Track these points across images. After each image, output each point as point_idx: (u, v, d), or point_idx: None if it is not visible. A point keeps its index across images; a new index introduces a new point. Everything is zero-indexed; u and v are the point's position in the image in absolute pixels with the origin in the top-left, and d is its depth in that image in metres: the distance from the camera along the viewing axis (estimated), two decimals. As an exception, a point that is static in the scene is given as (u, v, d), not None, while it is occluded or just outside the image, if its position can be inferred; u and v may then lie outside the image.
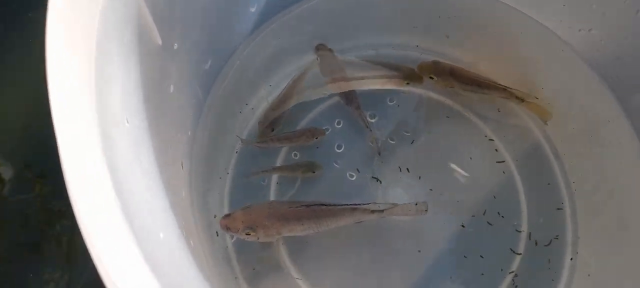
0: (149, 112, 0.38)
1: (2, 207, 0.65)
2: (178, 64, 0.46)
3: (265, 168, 0.62)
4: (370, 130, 0.63)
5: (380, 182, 0.62)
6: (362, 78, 0.66)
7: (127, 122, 0.34)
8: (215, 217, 0.57)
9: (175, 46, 0.45)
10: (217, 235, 0.57)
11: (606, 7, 0.56)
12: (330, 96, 0.66)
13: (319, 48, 0.65)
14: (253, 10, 0.60)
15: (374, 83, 0.67)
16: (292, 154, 0.64)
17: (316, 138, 0.62)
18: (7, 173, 0.66)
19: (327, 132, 0.64)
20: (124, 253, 0.25)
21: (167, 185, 0.41)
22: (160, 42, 0.41)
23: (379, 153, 0.63)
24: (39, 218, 0.65)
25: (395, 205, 0.56)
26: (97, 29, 0.30)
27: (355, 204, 0.54)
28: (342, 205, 0.54)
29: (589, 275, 0.57)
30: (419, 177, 0.62)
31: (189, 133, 0.54)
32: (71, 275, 0.62)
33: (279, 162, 0.63)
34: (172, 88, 0.45)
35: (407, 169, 0.62)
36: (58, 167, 0.68)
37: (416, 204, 0.56)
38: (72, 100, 0.27)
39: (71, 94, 0.27)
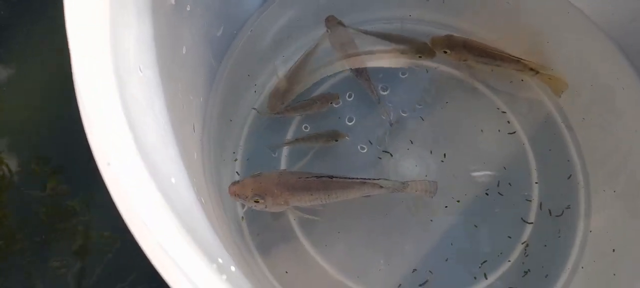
0: (162, 67, 0.39)
1: (14, 198, 0.67)
2: (190, 26, 0.47)
3: (289, 139, 0.62)
4: (380, 102, 0.63)
5: (392, 155, 0.62)
6: (374, 52, 0.67)
7: (141, 70, 0.35)
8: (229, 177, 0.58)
9: (188, 8, 0.45)
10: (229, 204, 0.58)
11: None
12: (341, 71, 0.66)
13: (329, 20, 0.65)
14: (265, -22, 0.60)
15: (386, 57, 0.67)
16: (303, 127, 0.64)
17: (331, 103, 0.63)
18: (13, 165, 0.68)
19: (340, 98, 0.64)
20: (135, 178, 0.26)
21: (180, 143, 0.42)
22: (173, 1, 0.42)
23: (391, 125, 0.63)
24: (50, 213, 0.66)
25: (405, 183, 0.56)
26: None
27: (364, 179, 0.55)
28: (351, 178, 0.55)
29: (601, 244, 0.56)
30: (431, 151, 0.62)
31: (201, 99, 0.55)
32: (84, 266, 0.63)
33: (290, 134, 0.64)
34: (184, 49, 0.46)
35: (419, 142, 0.63)
36: (72, 161, 0.68)
37: (425, 184, 0.56)
38: (88, 39, 0.28)
39: (88, 33, 0.28)
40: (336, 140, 0.61)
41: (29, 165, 0.68)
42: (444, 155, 0.62)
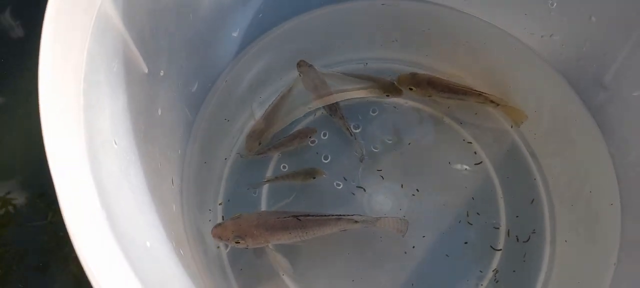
0: (137, 134, 0.42)
1: (17, 233, 0.69)
2: (165, 88, 0.50)
3: (269, 177, 0.65)
4: (355, 139, 0.66)
5: (365, 190, 0.65)
6: (345, 91, 0.70)
7: (115, 143, 0.38)
8: (210, 221, 0.60)
9: (162, 73, 0.49)
10: (213, 245, 0.61)
11: (563, 15, 0.59)
12: (316, 109, 0.69)
13: (301, 64, 0.68)
14: (235, 34, 0.64)
15: (356, 93, 0.70)
16: (281, 166, 0.67)
17: (310, 137, 0.66)
18: (20, 201, 0.70)
19: (315, 137, 0.67)
20: (108, 257, 0.29)
21: (157, 200, 0.45)
22: (146, 70, 0.45)
23: (361, 161, 0.66)
24: (49, 244, 0.68)
25: (377, 218, 0.59)
26: (85, 61, 0.34)
27: (339, 215, 0.58)
28: (327, 215, 0.58)
29: (566, 267, 0.59)
30: (402, 185, 0.65)
31: (179, 151, 0.58)
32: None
33: (269, 173, 0.66)
34: (160, 111, 0.49)
35: (391, 176, 0.66)
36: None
37: (397, 222, 0.59)
38: (61, 124, 0.31)
39: (61, 118, 0.31)
40: (314, 178, 0.64)
41: (33, 201, 0.70)
42: (415, 188, 0.65)
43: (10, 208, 0.70)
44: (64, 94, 0.32)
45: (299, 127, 0.69)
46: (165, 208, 0.47)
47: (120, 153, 0.38)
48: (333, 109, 0.67)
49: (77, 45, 0.34)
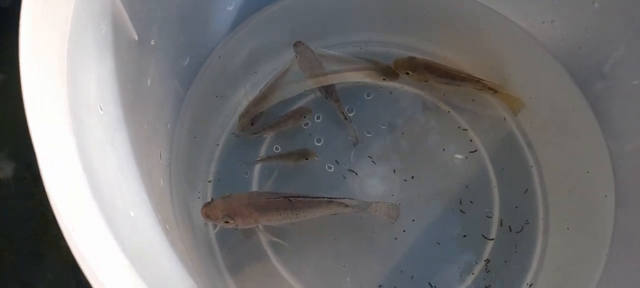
0: (124, 101, 0.41)
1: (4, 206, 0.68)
2: (155, 59, 0.49)
3: (262, 157, 0.64)
4: (349, 122, 0.65)
5: (357, 174, 0.64)
6: (341, 71, 0.69)
7: (101, 109, 0.36)
8: (199, 198, 0.59)
9: (152, 42, 0.47)
10: (202, 225, 0.60)
11: (565, 1, 0.58)
12: (310, 91, 0.68)
13: (297, 45, 0.67)
14: (231, 8, 0.62)
15: (352, 76, 0.69)
16: (274, 147, 0.66)
17: (304, 116, 0.65)
18: (7, 172, 0.69)
19: (309, 119, 0.66)
20: (88, 222, 0.27)
21: (144, 172, 0.43)
22: (136, 37, 0.44)
23: (354, 145, 0.65)
24: (38, 220, 0.67)
25: (368, 203, 0.58)
26: (71, 19, 0.33)
27: (331, 197, 0.57)
28: (318, 197, 0.57)
29: (558, 258, 0.59)
30: (394, 170, 0.64)
31: (168, 126, 0.57)
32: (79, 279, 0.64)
33: (261, 153, 0.65)
34: (149, 81, 0.48)
35: (383, 161, 0.65)
36: None
37: (387, 208, 0.58)
38: (43, 85, 0.29)
39: (43, 79, 0.30)
40: (306, 159, 0.63)
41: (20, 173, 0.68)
42: (408, 174, 0.64)
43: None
44: (47, 54, 0.30)
45: (294, 107, 0.68)
46: (152, 182, 0.46)
47: (105, 119, 0.37)
48: (328, 91, 0.66)
49: (62, 0, 0.32)
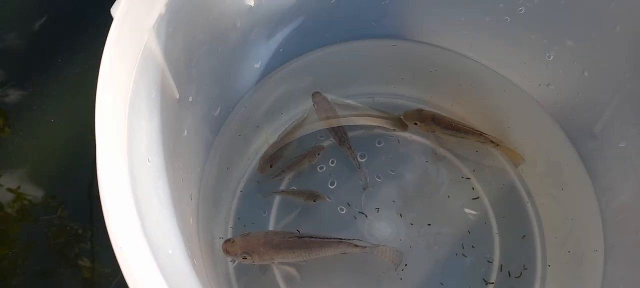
0: (166, 152, 0.47)
1: (29, 229, 0.74)
2: (192, 112, 0.56)
3: (277, 190, 0.70)
4: (359, 167, 0.71)
5: (366, 216, 0.69)
6: (354, 116, 0.75)
7: (149, 161, 0.43)
8: (221, 238, 0.65)
9: (190, 99, 0.54)
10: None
11: (559, 67, 0.64)
12: (326, 138, 0.74)
13: (315, 95, 0.73)
14: (257, 66, 0.70)
15: (364, 122, 0.75)
16: (291, 188, 0.72)
17: (318, 154, 0.71)
18: (36, 199, 0.76)
19: (323, 164, 0.72)
20: (142, 261, 0.33)
21: (178, 213, 0.50)
22: (178, 96, 0.51)
23: (364, 189, 0.71)
24: (58, 242, 0.73)
25: (375, 245, 0.63)
26: (131, 88, 0.40)
27: (341, 238, 0.62)
28: (329, 238, 0.62)
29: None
30: (400, 214, 0.69)
31: (199, 169, 0.63)
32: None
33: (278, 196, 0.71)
34: (185, 132, 0.55)
35: (391, 205, 0.70)
36: (76, 197, 0.77)
37: (392, 253, 0.63)
38: (109, 144, 0.36)
39: (109, 139, 0.36)
40: (314, 201, 0.69)
41: (46, 199, 0.75)
42: (414, 217, 0.69)
43: (25, 203, 0.75)
44: (112, 119, 0.37)
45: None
46: (184, 221, 0.52)
47: (151, 170, 0.43)
48: (342, 139, 0.72)
49: (126, 75, 0.39)
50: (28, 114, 0.81)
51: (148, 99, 0.43)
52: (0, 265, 0.72)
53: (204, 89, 0.57)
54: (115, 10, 0.39)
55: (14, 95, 0.82)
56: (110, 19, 0.39)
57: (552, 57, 0.65)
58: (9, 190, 0.76)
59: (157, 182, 0.44)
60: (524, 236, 0.68)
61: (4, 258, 0.73)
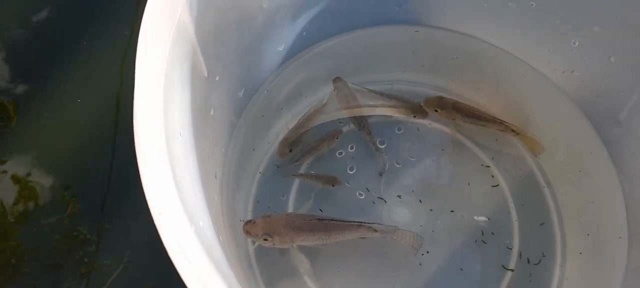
0: (195, 129, 0.48)
1: (34, 226, 0.75)
2: (218, 92, 0.56)
3: (296, 173, 0.71)
4: (379, 152, 0.71)
5: (386, 202, 0.70)
6: (374, 106, 0.75)
7: (180, 135, 0.43)
8: (241, 221, 0.66)
9: (217, 78, 0.55)
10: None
11: (584, 53, 0.64)
12: (345, 124, 0.74)
13: (336, 80, 0.74)
14: (280, 49, 0.70)
15: (385, 111, 0.75)
16: (310, 172, 0.72)
17: (337, 138, 0.72)
18: (45, 194, 0.76)
19: (343, 150, 0.72)
20: (179, 227, 0.34)
21: (205, 189, 0.50)
22: (206, 74, 0.51)
23: (381, 174, 0.71)
24: (64, 242, 0.73)
25: (396, 229, 0.63)
26: (166, 60, 0.41)
27: (361, 222, 0.62)
28: (349, 221, 0.62)
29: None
30: (420, 200, 0.69)
31: (223, 149, 0.64)
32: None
33: (297, 180, 0.72)
34: (212, 111, 0.55)
35: (411, 191, 0.70)
36: (89, 191, 0.77)
37: (412, 237, 0.63)
38: (147, 111, 0.37)
39: (147, 107, 0.37)
40: (333, 185, 0.69)
41: (58, 191, 0.76)
42: (434, 204, 0.69)
43: (34, 202, 0.76)
44: (151, 85, 0.38)
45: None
46: (210, 198, 0.52)
47: (183, 143, 0.44)
48: (361, 124, 0.72)
49: (162, 46, 0.40)
50: (37, 110, 0.81)
51: (181, 73, 0.44)
52: (9, 255, 0.73)
53: (230, 68, 0.58)
54: (152, -17, 0.40)
55: (21, 88, 0.83)
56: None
57: (577, 43, 0.65)
58: (14, 177, 0.76)
59: (188, 156, 0.45)
60: (543, 223, 0.68)
61: (12, 250, 0.74)
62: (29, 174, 0.77)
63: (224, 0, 0.50)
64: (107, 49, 0.84)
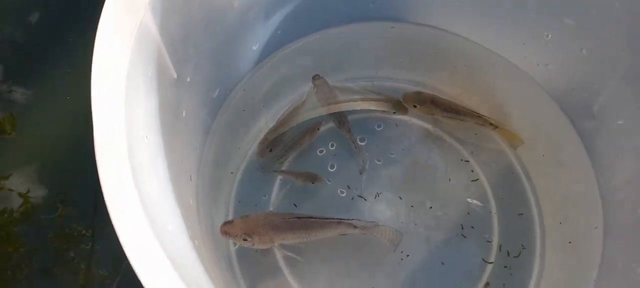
0: (164, 131, 0.48)
1: (28, 228, 0.74)
2: (190, 93, 0.56)
3: (277, 169, 0.70)
4: (359, 150, 0.71)
5: (366, 199, 0.69)
6: (353, 100, 0.75)
7: (147, 138, 0.43)
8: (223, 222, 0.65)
9: (188, 79, 0.54)
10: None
11: (558, 47, 0.64)
12: (325, 122, 0.74)
13: (315, 77, 0.73)
14: (255, 48, 0.70)
15: (364, 106, 0.75)
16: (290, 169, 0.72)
17: (318, 129, 0.72)
18: (37, 198, 0.75)
19: (323, 147, 0.72)
20: (141, 235, 0.34)
21: (177, 192, 0.50)
22: (175, 76, 0.51)
23: (361, 173, 0.71)
24: (57, 243, 0.73)
25: (375, 224, 0.63)
26: (128, 64, 0.40)
27: (340, 219, 0.62)
28: (329, 218, 0.62)
29: (552, 282, 0.63)
30: (400, 197, 0.69)
31: (197, 151, 0.63)
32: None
33: (277, 179, 0.71)
34: (184, 113, 0.55)
35: (391, 187, 0.70)
36: (79, 195, 0.77)
37: (391, 233, 0.63)
38: (107, 117, 0.36)
39: (107, 113, 0.37)
40: (313, 183, 0.69)
41: (50, 199, 0.75)
42: (414, 200, 0.69)
43: (28, 205, 0.75)
44: (110, 90, 0.37)
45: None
46: (183, 202, 0.52)
47: (150, 147, 0.43)
48: (341, 122, 0.72)
49: (122, 48, 0.39)
50: (30, 110, 0.81)
51: (145, 76, 0.43)
52: (6, 263, 0.72)
53: (202, 69, 0.57)
54: (111, -14, 0.39)
55: (17, 92, 0.82)
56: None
57: (550, 36, 0.65)
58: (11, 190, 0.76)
59: (156, 159, 0.44)
60: (521, 214, 0.68)
61: (9, 256, 0.73)
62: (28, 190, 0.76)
63: (191, 1, 0.49)
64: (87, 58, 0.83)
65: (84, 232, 0.73)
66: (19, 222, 0.74)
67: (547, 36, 0.65)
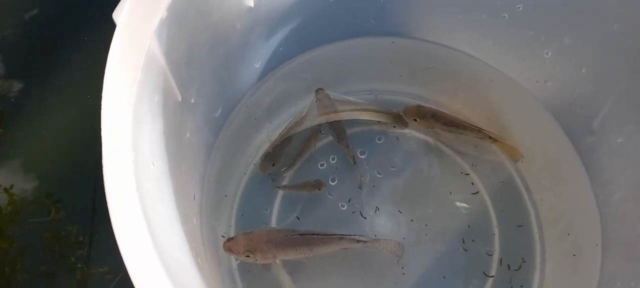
0: (169, 155, 0.48)
1: (20, 231, 0.74)
2: (194, 114, 0.56)
3: (282, 185, 0.71)
4: (356, 166, 0.71)
5: (367, 214, 0.70)
6: (354, 110, 0.75)
7: (153, 165, 0.43)
8: (223, 237, 0.66)
9: (192, 100, 0.55)
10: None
11: (557, 64, 0.65)
12: (326, 135, 0.74)
13: (318, 91, 0.74)
14: (257, 65, 0.70)
15: (365, 116, 0.75)
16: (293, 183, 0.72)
17: (320, 132, 0.73)
18: (28, 193, 0.76)
19: (324, 161, 0.73)
20: (150, 268, 0.34)
21: (182, 214, 0.50)
22: (180, 99, 0.51)
23: (359, 187, 0.71)
24: (54, 246, 0.73)
25: (376, 239, 0.64)
26: (135, 95, 0.40)
27: (342, 234, 0.62)
28: (331, 234, 0.63)
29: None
30: (400, 211, 0.70)
31: (201, 169, 0.64)
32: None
33: (280, 194, 0.72)
34: (188, 134, 0.55)
35: (392, 201, 0.71)
36: (71, 197, 0.77)
37: (394, 246, 0.64)
38: (115, 150, 0.37)
39: (115, 144, 0.37)
40: (319, 189, 0.69)
41: (40, 198, 0.76)
42: (414, 213, 0.70)
43: (18, 200, 0.76)
44: (119, 118, 0.38)
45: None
46: (187, 222, 0.52)
47: (156, 174, 0.44)
48: (340, 136, 0.72)
49: (129, 81, 0.40)
50: (26, 110, 0.81)
51: (151, 103, 0.44)
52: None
53: (205, 90, 0.58)
54: (118, 16, 0.40)
55: (14, 89, 0.82)
56: (110, 14, 0.39)
57: (549, 53, 0.66)
58: (6, 190, 0.76)
59: (162, 185, 0.45)
60: (521, 225, 0.69)
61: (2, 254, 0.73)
62: (11, 186, 0.76)
63: (195, 26, 0.50)
64: (91, 54, 0.83)
65: (81, 238, 0.74)
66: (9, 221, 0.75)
67: (547, 54, 0.66)
